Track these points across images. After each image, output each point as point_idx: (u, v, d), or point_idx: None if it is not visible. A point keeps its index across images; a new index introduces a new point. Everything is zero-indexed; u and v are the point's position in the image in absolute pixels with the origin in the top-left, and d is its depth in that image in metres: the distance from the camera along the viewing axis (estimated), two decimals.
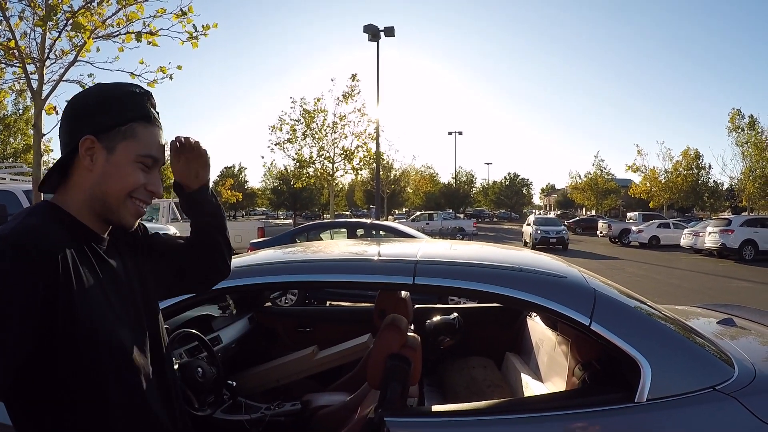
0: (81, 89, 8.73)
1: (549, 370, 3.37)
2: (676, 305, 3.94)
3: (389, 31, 25.55)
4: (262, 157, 58.70)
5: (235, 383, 3.09)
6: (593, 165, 70.46)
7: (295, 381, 3.93)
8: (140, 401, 1.53)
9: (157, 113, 1.63)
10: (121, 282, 1.59)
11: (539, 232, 31.87)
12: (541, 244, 30.80)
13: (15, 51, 9.00)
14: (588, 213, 78.62)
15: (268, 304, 5.15)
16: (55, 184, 1.56)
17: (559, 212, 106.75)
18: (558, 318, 2.40)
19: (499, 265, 2.67)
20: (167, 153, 1.69)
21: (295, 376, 3.93)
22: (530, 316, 4.00)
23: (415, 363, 2.58)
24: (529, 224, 34.65)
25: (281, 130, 28.32)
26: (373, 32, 25.44)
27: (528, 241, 32.78)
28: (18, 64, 9.33)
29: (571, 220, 59.17)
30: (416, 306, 4.21)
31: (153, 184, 1.58)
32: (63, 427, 1.42)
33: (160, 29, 9.40)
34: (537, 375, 3.44)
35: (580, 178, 72.82)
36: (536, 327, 3.80)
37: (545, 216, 46.99)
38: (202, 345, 3.04)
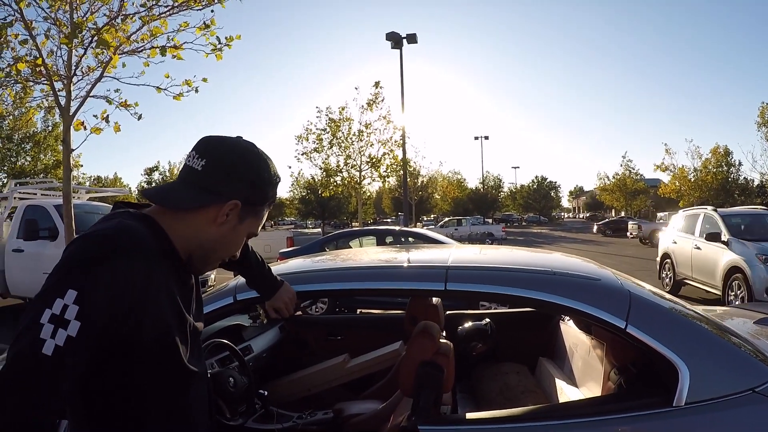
0: (108, 104, 8.83)
1: (584, 375, 3.33)
2: (711, 306, 3.87)
3: (412, 38, 25.66)
4: (290, 167, 59.04)
5: (266, 392, 3.08)
6: (621, 165, 70.28)
7: (327, 389, 3.91)
8: (195, 411, 1.59)
9: None
10: (190, 300, 1.63)
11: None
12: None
13: (42, 69, 9.13)
14: (617, 214, 78.02)
15: (299, 313, 5.15)
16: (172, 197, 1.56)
17: (588, 214, 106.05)
18: (593, 321, 2.37)
19: (531, 269, 2.63)
20: None
21: (327, 384, 3.92)
22: (563, 320, 3.96)
23: (448, 370, 2.56)
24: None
25: (307, 139, 28.45)
26: (395, 40, 25.55)
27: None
28: (45, 82, 9.47)
29: (600, 222, 58.78)
30: (447, 312, 4.19)
31: (237, 252, 1.72)
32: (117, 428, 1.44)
33: (184, 43, 9.51)
34: (572, 380, 3.40)
35: (609, 179, 72.44)
36: (570, 331, 3.76)
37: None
38: (234, 355, 3.04)
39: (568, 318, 3.85)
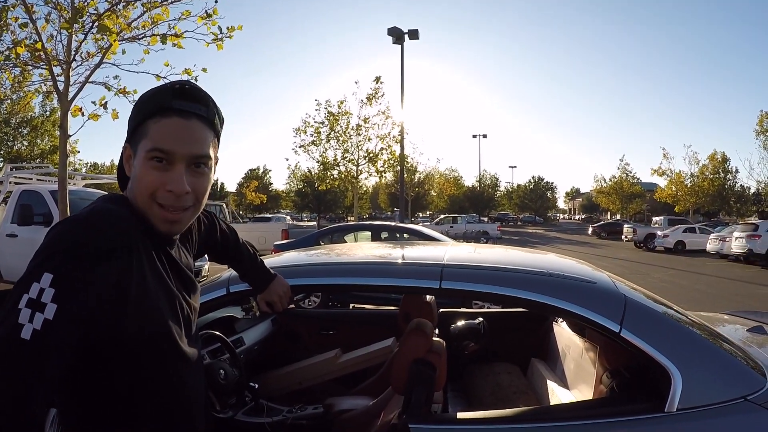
0: (107, 91, 8.88)
1: (576, 378, 3.32)
2: (703, 312, 3.86)
3: (413, 34, 25.70)
4: (287, 160, 59.50)
5: (257, 385, 3.07)
6: (618, 168, 70.33)
7: (318, 384, 3.90)
8: (191, 398, 1.57)
9: (198, 103, 1.50)
10: (183, 278, 1.61)
11: None
12: None
13: (41, 53, 9.14)
14: (613, 217, 78.19)
15: (292, 306, 5.14)
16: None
17: (583, 216, 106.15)
18: (587, 324, 2.35)
19: (527, 269, 2.61)
20: (201, 146, 1.50)
21: (318, 379, 3.91)
22: (556, 321, 3.95)
23: (440, 368, 2.55)
24: None
25: (306, 132, 28.55)
26: (397, 35, 25.58)
27: None
28: (44, 66, 9.50)
29: (596, 224, 58.97)
30: (441, 310, 4.18)
31: (171, 182, 1.44)
32: (109, 418, 1.42)
33: (185, 31, 9.55)
34: (563, 382, 3.39)
35: (605, 182, 72.41)
36: (563, 332, 3.75)
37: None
38: (225, 347, 3.02)
39: (561, 319, 3.84)
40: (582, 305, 2.30)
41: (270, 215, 52.04)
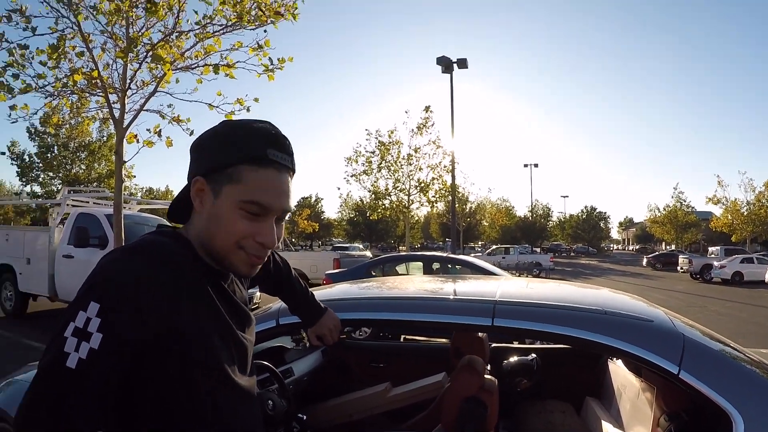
0: (161, 119, 9.12)
1: (632, 419, 3.21)
2: (762, 348, 3.73)
3: (462, 63, 25.80)
4: (338, 189, 60.02)
5: (305, 417, 3.06)
6: (672, 197, 69.24)
7: (366, 417, 3.88)
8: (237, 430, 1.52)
9: (288, 155, 1.49)
10: (237, 311, 1.58)
11: None
12: None
13: (98, 81, 9.41)
14: (668, 247, 76.82)
15: (343, 336, 5.13)
16: (185, 215, 1.54)
17: (637, 247, 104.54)
18: (644, 365, 2.27)
19: (582, 307, 2.54)
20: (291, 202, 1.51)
21: (367, 412, 3.87)
22: (612, 359, 3.85)
23: (491, 407, 2.51)
24: None
25: (357, 161, 28.66)
26: (446, 64, 25.69)
27: None
28: (101, 94, 9.78)
29: (650, 255, 57.92)
30: (492, 345, 4.12)
31: (263, 235, 1.44)
32: None
33: (237, 62, 9.69)
34: (618, 423, 3.28)
35: (659, 211, 71.26)
36: (618, 371, 3.65)
37: None
38: (274, 377, 3.01)
39: (617, 358, 3.74)
40: (640, 345, 2.22)
41: (348, 245, 52.56)
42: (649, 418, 2.87)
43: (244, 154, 1.40)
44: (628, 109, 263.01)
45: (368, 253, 27.08)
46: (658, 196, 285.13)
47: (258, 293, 12.95)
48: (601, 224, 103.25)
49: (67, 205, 14.26)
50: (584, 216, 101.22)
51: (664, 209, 69.98)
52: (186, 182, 1.50)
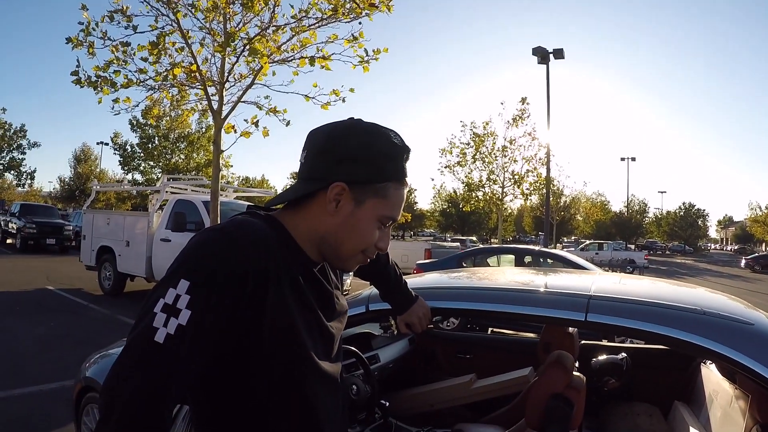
0: (258, 110, 9.35)
1: (722, 427, 3.08)
2: None
3: (558, 53, 25.24)
4: (432, 179, 59.81)
5: (388, 403, 3.07)
6: None
7: (449, 407, 3.86)
8: (323, 414, 1.54)
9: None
10: (327, 297, 1.60)
11: None
12: None
13: (197, 75, 9.73)
14: None
15: (431, 326, 5.13)
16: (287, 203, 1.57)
17: (736, 247, 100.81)
18: (740, 370, 2.17)
19: (678, 305, 2.43)
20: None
21: (450, 402, 3.86)
22: (704, 362, 3.71)
23: (578, 405, 2.46)
24: None
25: (451, 153, 28.44)
26: (542, 54, 25.20)
27: None
28: (200, 87, 10.09)
29: (749, 257, 55.64)
30: (582, 342, 4.04)
31: (383, 241, 1.55)
32: (240, 422, 1.42)
33: (333, 54, 9.79)
34: (707, 431, 3.17)
35: (761, 210, 68.41)
36: (711, 376, 3.51)
37: None
38: (360, 362, 3.03)
39: (709, 361, 3.60)
40: (737, 349, 2.12)
41: (462, 237, 52.56)
42: (740, 427, 2.75)
43: (393, 174, 1.47)
44: (734, 102, 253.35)
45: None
46: (760, 193, 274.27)
47: (349, 280, 13.08)
48: (699, 222, 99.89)
49: (166, 192, 14.75)
50: (682, 213, 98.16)
51: (767, 208, 67.15)
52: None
